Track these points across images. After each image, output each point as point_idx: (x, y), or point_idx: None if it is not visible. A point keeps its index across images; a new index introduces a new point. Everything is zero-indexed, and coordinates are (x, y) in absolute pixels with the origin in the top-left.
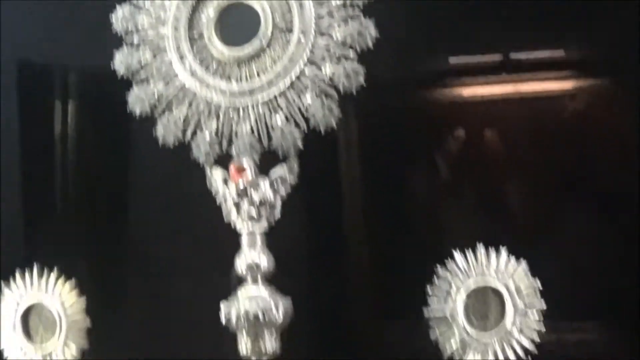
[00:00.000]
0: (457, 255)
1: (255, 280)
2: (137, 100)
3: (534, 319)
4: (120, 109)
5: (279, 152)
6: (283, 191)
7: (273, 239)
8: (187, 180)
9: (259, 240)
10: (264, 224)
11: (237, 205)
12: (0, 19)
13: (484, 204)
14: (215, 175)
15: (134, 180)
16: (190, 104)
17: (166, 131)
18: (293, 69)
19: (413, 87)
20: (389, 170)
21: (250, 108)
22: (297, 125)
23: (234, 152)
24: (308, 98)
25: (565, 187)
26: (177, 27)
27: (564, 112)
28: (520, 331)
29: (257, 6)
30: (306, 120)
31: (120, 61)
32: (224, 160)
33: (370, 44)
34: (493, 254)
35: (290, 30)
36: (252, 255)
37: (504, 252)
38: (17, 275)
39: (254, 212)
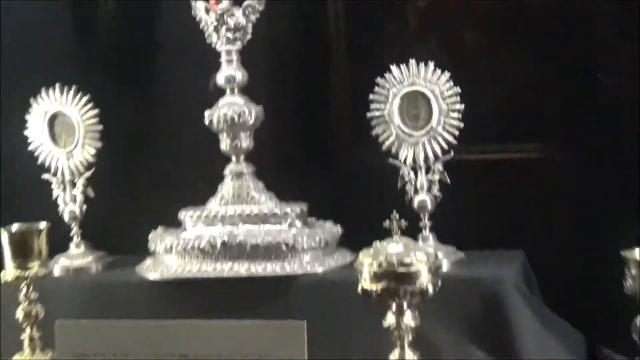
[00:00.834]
0: (394, 67)
1: (232, 91)
2: None
3: (456, 117)
4: None
5: None
6: (253, 17)
7: (246, 57)
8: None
9: (235, 57)
10: (238, 45)
11: (217, 30)
12: None
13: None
14: (199, 5)
15: None
16: None
17: None
18: None
19: None
20: None
21: None
22: None
23: None
24: None
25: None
26: None
27: None
28: (444, 129)
29: None
30: None
31: None
32: None
33: None
34: (422, 66)
35: None
36: (229, 70)
37: (431, 64)
38: (43, 91)
39: (230, 35)
